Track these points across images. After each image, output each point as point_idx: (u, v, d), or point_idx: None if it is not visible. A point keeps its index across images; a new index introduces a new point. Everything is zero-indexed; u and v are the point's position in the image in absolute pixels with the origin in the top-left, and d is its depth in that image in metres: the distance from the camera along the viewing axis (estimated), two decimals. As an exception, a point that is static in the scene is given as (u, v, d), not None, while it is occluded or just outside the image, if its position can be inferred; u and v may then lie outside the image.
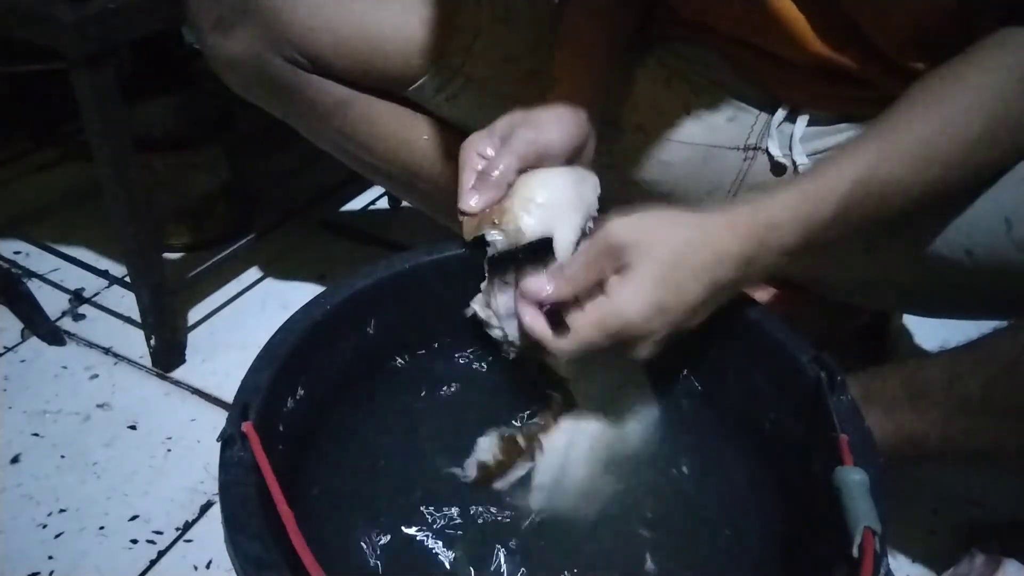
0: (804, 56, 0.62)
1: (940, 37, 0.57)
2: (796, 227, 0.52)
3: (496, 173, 0.58)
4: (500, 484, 0.56)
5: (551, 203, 0.57)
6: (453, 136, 0.78)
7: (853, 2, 0.59)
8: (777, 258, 0.52)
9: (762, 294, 0.76)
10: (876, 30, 0.59)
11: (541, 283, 0.53)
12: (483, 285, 0.59)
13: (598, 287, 0.51)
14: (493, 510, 0.54)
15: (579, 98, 0.62)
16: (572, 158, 0.62)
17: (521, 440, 0.58)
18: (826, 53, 0.61)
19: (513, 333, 0.58)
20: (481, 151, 0.60)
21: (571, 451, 0.57)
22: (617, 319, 0.49)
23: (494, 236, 0.56)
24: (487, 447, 0.57)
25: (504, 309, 0.58)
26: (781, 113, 0.67)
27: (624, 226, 0.50)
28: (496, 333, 0.59)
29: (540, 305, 0.53)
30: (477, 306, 0.60)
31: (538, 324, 0.53)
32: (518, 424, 0.60)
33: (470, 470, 0.57)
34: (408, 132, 0.77)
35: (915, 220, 0.61)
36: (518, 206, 0.56)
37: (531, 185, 0.57)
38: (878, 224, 0.54)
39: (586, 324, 0.50)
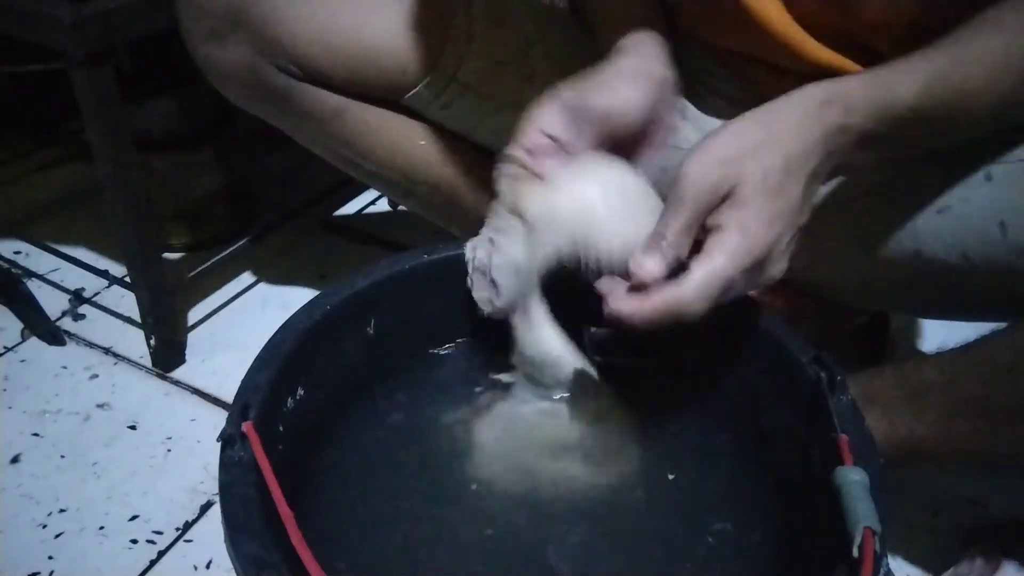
0: (800, 64, 0.62)
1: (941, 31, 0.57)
2: (872, 111, 0.50)
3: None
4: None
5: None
6: (450, 141, 0.78)
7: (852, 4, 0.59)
8: (858, 139, 0.51)
9: (765, 296, 0.76)
10: (875, 30, 0.59)
11: (648, 265, 0.47)
12: (487, 229, 0.56)
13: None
14: (492, 511, 0.54)
15: (651, 58, 0.59)
16: (649, 128, 0.58)
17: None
18: (823, 59, 0.61)
19: (506, 285, 0.55)
20: (548, 129, 0.55)
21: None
22: (744, 246, 0.47)
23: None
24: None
25: (501, 263, 0.55)
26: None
27: (702, 168, 0.48)
28: (480, 290, 0.56)
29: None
30: (477, 248, 0.56)
31: (656, 295, 0.46)
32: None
33: None
34: (404, 138, 0.77)
35: (916, 222, 0.61)
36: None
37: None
38: (947, 136, 0.53)
39: (717, 263, 0.46)
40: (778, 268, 0.50)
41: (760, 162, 0.48)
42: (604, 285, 0.50)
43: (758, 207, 0.47)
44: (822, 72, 0.62)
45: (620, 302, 0.47)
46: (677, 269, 0.48)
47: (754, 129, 0.49)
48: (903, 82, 0.51)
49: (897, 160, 0.58)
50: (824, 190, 0.61)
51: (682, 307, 0.46)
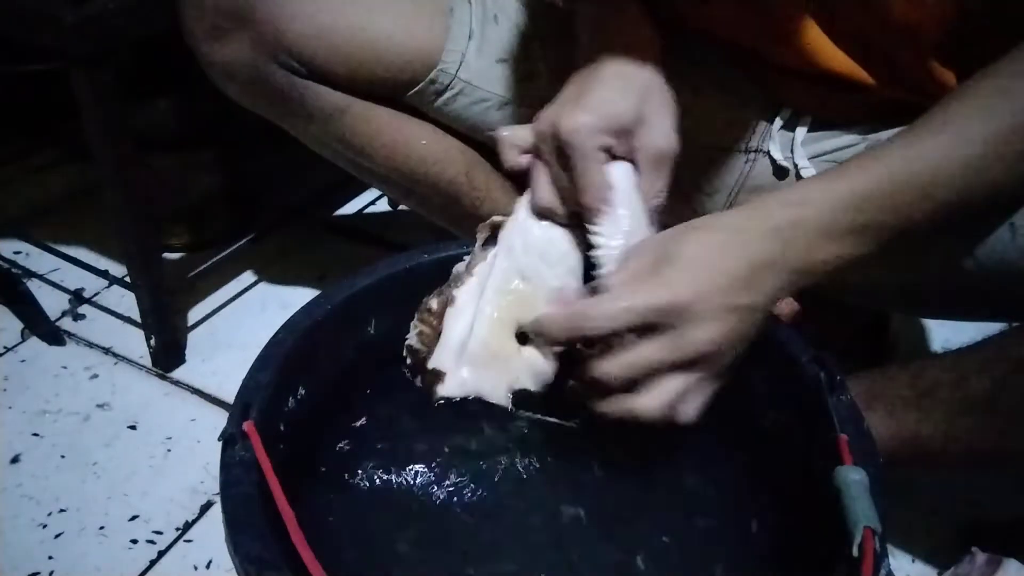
0: (817, 70, 0.62)
1: (969, 45, 0.57)
2: (830, 202, 0.49)
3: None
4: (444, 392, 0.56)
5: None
6: (451, 140, 0.78)
7: (879, 14, 0.58)
8: (816, 240, 0.49)
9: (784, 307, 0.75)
10: (900, 37, 0.59)
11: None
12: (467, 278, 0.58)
13: None
14: (494, 512, 0.54)
15: (636, 59, 0.57)
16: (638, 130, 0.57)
17: (434, 303, 0.57)
18: (837, 64, 0.61)
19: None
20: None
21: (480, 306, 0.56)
22: (663, 293, 0.47)
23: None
24: (410, 331, 0.57)
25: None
26: (783, 116, 0.67)
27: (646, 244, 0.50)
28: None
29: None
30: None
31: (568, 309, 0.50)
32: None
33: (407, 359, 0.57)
34: (406, 137, 0.77)
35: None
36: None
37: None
38: (924, 224, 0.50)
39: (623, 296, 0.48)
40: (700, 334, 0.48)
41: (702, 237, 0.49)
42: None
43: (688, 265, 0.48)
44: (834, 77, 0.62)
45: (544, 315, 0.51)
46: None
47: (712, 227, 0.50)
48: (866, 171, 0.49)
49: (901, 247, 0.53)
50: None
51: (584, 319, 0.49)
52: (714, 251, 0.48)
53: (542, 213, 0.57)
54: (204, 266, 1.05)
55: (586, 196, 0.53)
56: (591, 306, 0.49)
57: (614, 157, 0.55)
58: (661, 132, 0.55)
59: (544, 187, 0.56)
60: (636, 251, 0.51)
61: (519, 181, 0.59)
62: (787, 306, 0.75)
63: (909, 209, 0.49)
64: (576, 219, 0.56)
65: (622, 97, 0.54)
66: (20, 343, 1.00)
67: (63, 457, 0.85)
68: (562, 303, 0.53)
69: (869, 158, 0.51)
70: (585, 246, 0.56)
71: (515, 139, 0.58)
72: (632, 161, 0.55)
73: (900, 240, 0.50)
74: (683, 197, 0.73)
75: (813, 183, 0.51)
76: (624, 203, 0.54)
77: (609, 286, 0.50)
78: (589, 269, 0.55)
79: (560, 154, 0.54)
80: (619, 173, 0.55)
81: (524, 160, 0.58)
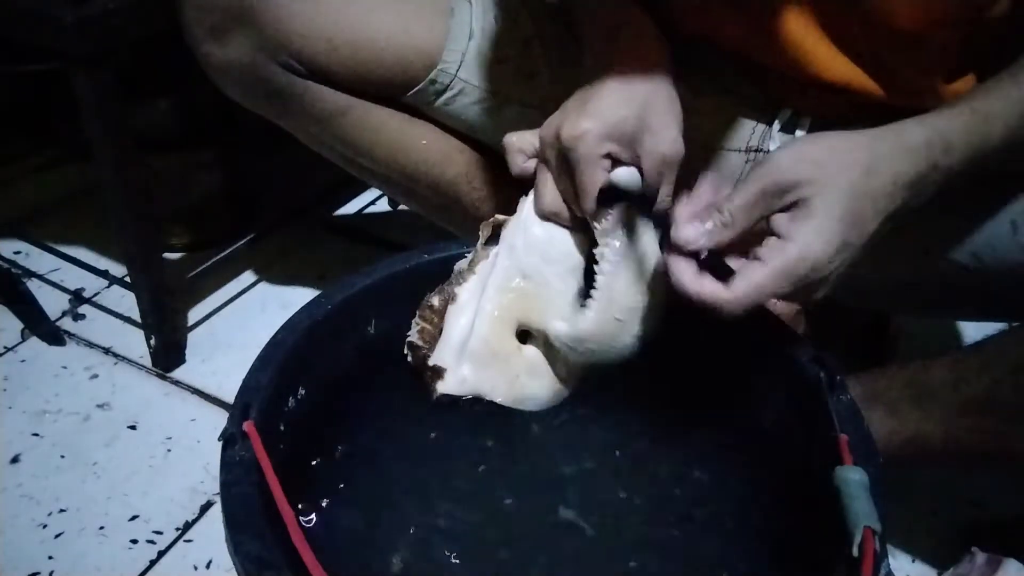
0: (818, 79, 0.62)
1: (975, 55, 0.57)
2: (967, 151, 0.49)
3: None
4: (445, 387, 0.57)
5: None
6: (451, 140, 0.78)
7: (883, 23, 0.58)
8: (943, 180, 0.49)
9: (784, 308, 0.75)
10: (902, 48, 0.59)
11: (697, 229, 0.47)
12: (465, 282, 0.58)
13: (759, 229, 0.48)
14: (493, 512, 0.54)
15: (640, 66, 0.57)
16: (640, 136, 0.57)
17: (436, 301, 0.58)
18: (844, 78, 0.61)
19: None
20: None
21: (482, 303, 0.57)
22: (804, 263, 0.46)
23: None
24: (412, 327, 0.58)
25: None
26: (783, 117, 0.67)
27: (792, 159, 0.47)
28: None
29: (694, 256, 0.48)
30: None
31: (705, 282, 0.47)
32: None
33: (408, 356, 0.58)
34: (407, 137, 0.77)
35: (922, 223, 0.61)
36: None
37: None
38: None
39: (768, 273, 0.46)
40: (822, 293, 0.48)
41: (847, 180, 0.47)
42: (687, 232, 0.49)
43: (826, 227, 0.46)
44: (836, 88, 0.62)
45: (681, 265, 0.48)
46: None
47: (855, 148, 0.48)
48: (997, 119, 0.49)
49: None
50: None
51: (722, 306, 0.47)
52: (854, 205, 0.47)
53: (545, 216, 0.57)
54: (204, 266, 1.05)
55: (588, 201, 0.54)
56: (723, 296, 0.47)
57: (617, 163, 0.55)
58: (665, 138, 0.54)
59: (548, 192, 0.56)
60: (772, 164, 0.47)
61: (523, 183, 0.60)
62: (786, 307, 0.75)
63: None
64: (578, 222, 0.56)
65: (626, 105, 0.54)
66: (20, 343, 1.00)
67: (63, 457, 0.85)
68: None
69: (1006, 91, 0.50)
70: (587, 245, 0.56)
71: (521, 144, 0.58)
72: (637, 167, 0.55)
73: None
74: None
75: (957, 127, 0.50)
76: (628, 208, 0.54)
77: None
78: (590, 268, 0.55)
79: (563, 160, 0.55)
80: (623, 178, 0.55)
81: (530, 165, 0.58)
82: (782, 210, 0.47)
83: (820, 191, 0.46)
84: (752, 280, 0.46)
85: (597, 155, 0.53)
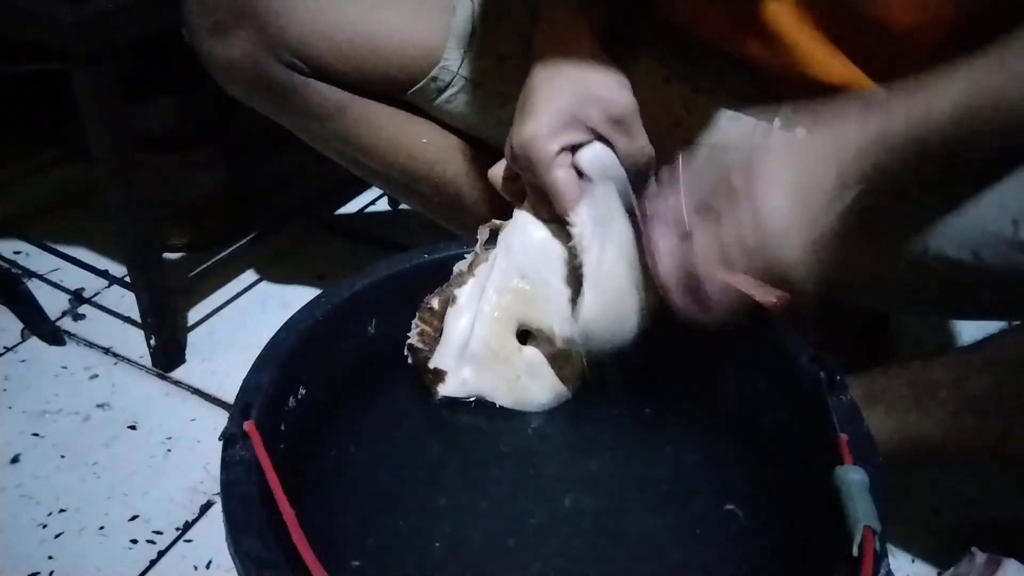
0: (810, 79, 0.62)
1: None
2: (908, 115, 0.49)
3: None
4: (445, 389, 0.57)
5: None
6: (452, 139, 0.78)
7: (876, 21, 0.58)
8: (895, 146, 0.50)
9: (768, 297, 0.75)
10: (898, 47, 0.59)
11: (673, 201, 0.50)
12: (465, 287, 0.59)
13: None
14: (494, 512, 0.54)
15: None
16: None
17: (436, 303, 0.58)
18: (835, 73, 0.61)
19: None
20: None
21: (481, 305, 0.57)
22: (756, 214, 0.48)
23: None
24: (412, 329, 0.58)
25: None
26: (784, 115, 0.67)
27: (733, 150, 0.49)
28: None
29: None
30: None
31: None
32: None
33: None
34: (407, 135, 0.78)
35: (923, 222, 0.61)
36: None
37: None
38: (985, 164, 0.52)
39: (723, 226, 0.48)
40: (794, 273, 0.49)
41: (794, 146, 0.49)
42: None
43: (777, 189, 0.48)
44: (832, 90, 0.62)
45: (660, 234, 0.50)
46: None
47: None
48: (941, 86, 0.50)
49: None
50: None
51: (695, 263, 0.49)
52: (803, 146, 0.49)
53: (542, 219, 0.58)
54: (204, 266, 1.05)
55: (556, 202, 0.55)
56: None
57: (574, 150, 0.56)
58: (609, 99, 0.56)
59: (532, 202, 0.58)
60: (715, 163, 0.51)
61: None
62: (779, 297, 0.75)
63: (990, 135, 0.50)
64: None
65: (559, 95, 0.55)
66: (20, 343, 1.00)
67: (63, 457, 0.85)
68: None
69: (954, 71, 0.50)
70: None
71: (500, 173, 0.60)
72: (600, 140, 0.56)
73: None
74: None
75: (897, 92, 0.51)
76: (596, 189, 0.55)
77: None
78: None
79: (526, 169, 0.56)
80: (589, 158, 0.55)
81: (518, 185, 0.60)
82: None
83: (763, 162, 0.48)
84: (710, 231, 0.48)
85: (550, 155, 0.54)
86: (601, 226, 0.54)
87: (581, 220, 0.54)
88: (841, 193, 0.50)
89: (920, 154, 0.50)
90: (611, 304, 0.54)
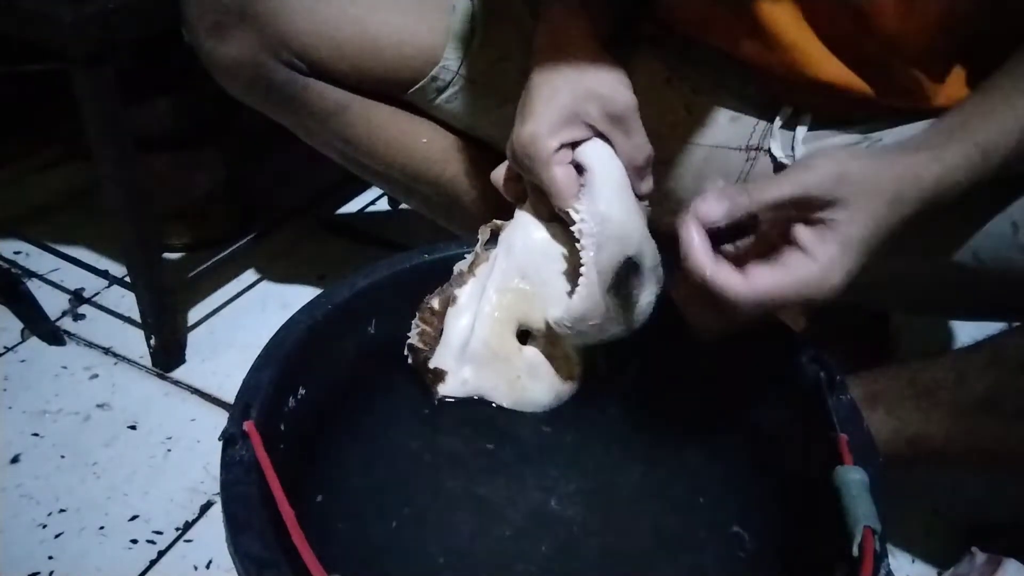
0: (808, 79, 0.62)
1: (960, 56, 0.57)
2: (967, 186, 0.50)
3: None
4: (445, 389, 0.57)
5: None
6: (452, 139, 0.78)
7: (867, 23, 0.58)
8: (941, 209, 0.50)
9: (797, 323, 0.75)
10: (891, 45, 0.59)
11: (703, 208, 0.47)
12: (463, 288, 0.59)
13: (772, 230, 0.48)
14: (493, 513, 0.54)
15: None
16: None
17: (436, 303, 0.58)
18: (839, 80, 0.61)
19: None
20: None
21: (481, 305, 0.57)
22: (821, 285, 0.46)
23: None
24: (412, 329, 0.58)
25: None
26: (783, 115, 0.67)
27: (833, 177, 0.47)
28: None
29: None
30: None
31: (722, 266, 0.47)
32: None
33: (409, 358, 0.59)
34: (407, 135, 0.78)
35: (923, 223, 0.61)
36: None
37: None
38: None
39: (790, 283, 0.47)
40: (816, 306, 0.49)
41: (874, 209, 0.47)
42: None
43: (848, 255, 0.47)
44: (831, 89, 0.62)
45: (697, 245, 0.47)
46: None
47: (885, 175, 0.48)
48: (997, 151, 0.50)
49: None
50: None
51: (734, 299, 0.47)
52: (875, 236, 0.48)
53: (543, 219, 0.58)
54: (204, 266, 1.05)
55: (554, 197, 0.55)
56: (739, 289, 0.47)
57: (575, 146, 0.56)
58: (607, 96, 0.55)
59: (533, 203, 0.58)
60: (811, 170, 0.48)
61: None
62: (806, 321, 0.75)
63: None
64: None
65: (557, 94, 0.55)
66: (20, 343, 1.00)
67: (63, 457, 0.85)
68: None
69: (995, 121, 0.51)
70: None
71: (502, 174, 0.60)
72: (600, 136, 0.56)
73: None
74: (682, 195, 0.73)
75: (953, 154, 0.50)
76: (598, 183, 0.54)
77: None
78: None
79: (526, 169, 0.56)
80: (590, 154, 0.55)
81: (521, 186, 0.60)
82: (806, 221, 0.47)
83: (851, 218, 0.47)
84: (774, 280, 0.47)
85: (549, 154, 0.54)
86: (600, 222, 0.53)
87: (580, 215, 0.54)
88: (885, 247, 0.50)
89: (980, 180, 0.51)
90: (605, 298, 0.54)
